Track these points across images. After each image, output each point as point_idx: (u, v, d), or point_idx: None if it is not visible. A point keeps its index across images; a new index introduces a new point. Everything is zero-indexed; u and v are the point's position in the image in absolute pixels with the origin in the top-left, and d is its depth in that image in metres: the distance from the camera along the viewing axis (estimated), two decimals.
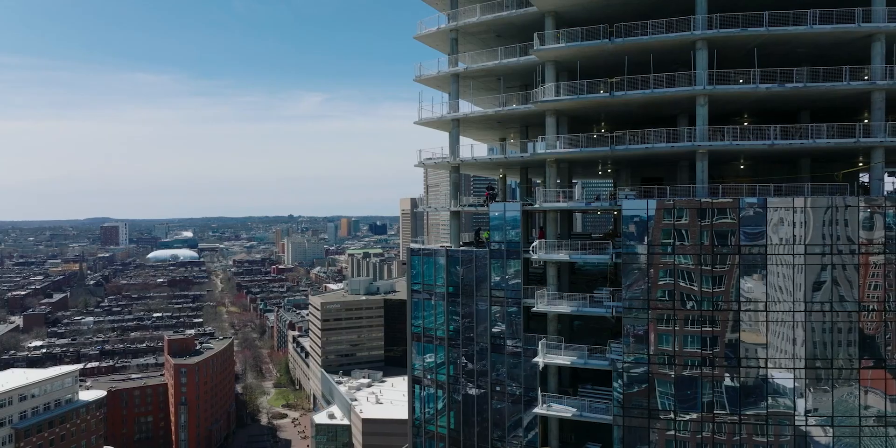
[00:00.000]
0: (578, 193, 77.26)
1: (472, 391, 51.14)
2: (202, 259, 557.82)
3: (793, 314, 40.83)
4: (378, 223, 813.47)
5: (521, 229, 48.84)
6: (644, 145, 44.25)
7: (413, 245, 56.56)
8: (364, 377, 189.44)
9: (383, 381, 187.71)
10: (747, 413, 41.62)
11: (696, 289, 42.19)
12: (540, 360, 45.89)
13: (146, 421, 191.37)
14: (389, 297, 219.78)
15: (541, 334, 48.68)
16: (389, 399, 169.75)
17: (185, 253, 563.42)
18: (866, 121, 50.91)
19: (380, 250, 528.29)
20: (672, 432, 42.66)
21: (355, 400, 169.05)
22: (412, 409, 54.88)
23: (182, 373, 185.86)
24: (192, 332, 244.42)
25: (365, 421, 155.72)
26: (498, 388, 49.67)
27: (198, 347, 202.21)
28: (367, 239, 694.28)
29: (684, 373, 42.46)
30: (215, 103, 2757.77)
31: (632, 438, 43.62)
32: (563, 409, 45.94)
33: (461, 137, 58.34)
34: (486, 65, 51.04)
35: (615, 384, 44.02)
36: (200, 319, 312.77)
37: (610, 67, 47.14)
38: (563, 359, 45.41)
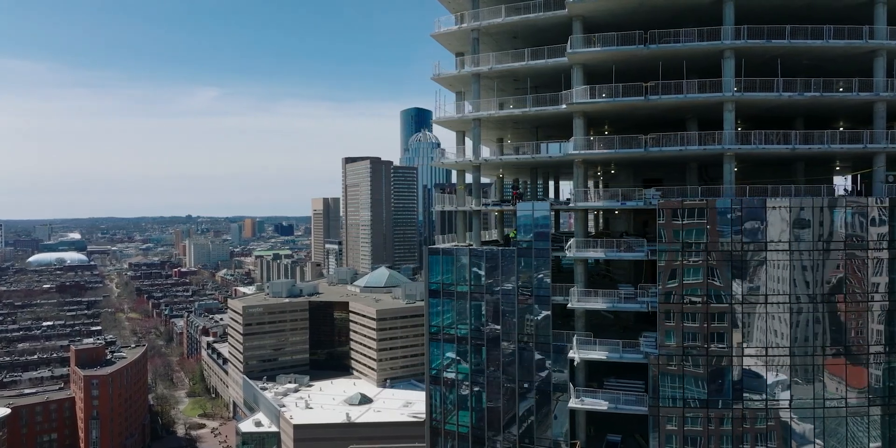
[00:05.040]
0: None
1: (496, 388, 51.48)
2: (93, 262, 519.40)
3: (814, 306, 44.41)
4: (284, 224, 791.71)
5: (551, 228, 49.72)
6: (678, 147, 46.48)
7: (433, 246, 56.08)
8: (290, 382, 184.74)
9: (311, 386, 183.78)
10: (774, 401, 44.75)
11: (726, 284, 44.85)
12: (575, 355, 47.00)
13: (50, 439, 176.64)
14: (314, 298, 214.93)
15: (563, 330, 49.86)
16: (320, 403, 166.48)
17: (72, 256, 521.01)
18: (842, 128, 56.11)
19: (289, 251, 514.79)
20: (704, 421, 45.06)
21: (283, 406, 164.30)
22: (430, 409, 54.42)
23: (93, 385, 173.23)
24: (91, 340, 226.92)
25: (297, 427, 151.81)
26: (526, 385, 50.27)
27: (108, 357, 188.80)
28: (273, 240, 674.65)
29: (715, 364, 44.99)
30: (98, 95, 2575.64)
31: (665, 428, 45.63)
32: (596, 403, 47.31)
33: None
34: (511, 65, 51.53)
35: (650, 376, 45.86)
36: (99, 327, 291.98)
37: (634, 72, 48.99)
38: (599, 353, 46.80)
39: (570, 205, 49.39)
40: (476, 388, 52.43)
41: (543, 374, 49.90)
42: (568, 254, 48.10)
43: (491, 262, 51.11)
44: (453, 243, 57.50)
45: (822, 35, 45.35)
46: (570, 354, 47.46)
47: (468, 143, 59.93)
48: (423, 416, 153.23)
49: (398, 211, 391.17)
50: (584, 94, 47.55)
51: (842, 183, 61.06)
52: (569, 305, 47.99)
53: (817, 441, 44.72)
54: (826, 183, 60.61)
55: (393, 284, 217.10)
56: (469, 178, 58.21)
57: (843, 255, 44.31)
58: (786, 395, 44.80)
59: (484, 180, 69.74)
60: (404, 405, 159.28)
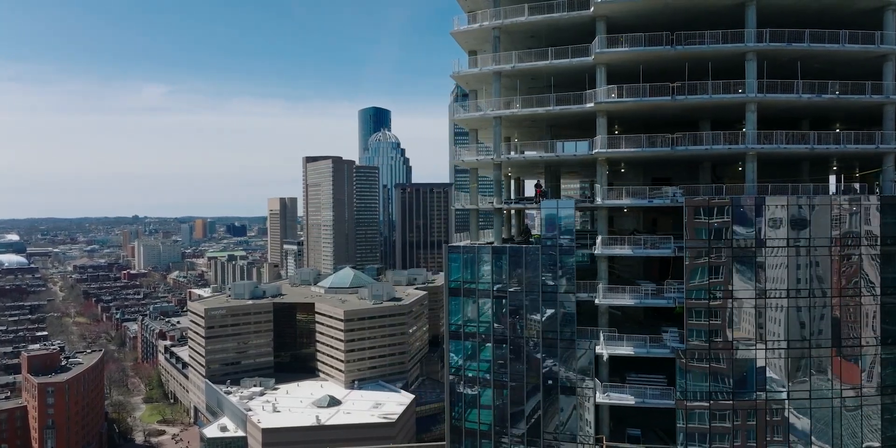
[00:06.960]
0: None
1: (518, 384, 51.58)
2: (34, 265, 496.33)
3: (828, 300, 46.21)
4: (236, 224, 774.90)
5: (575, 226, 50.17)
6: (704, 146, 47.65)
7: (453, 243, 55.76)
8: (255, 385, 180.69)
9: (276, 389, 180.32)
10: (796, 392, 46.33)
11: (750, 280, 46.19)
12: (603, 351, 47.51)
13: None
14: (278, 300, 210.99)
15: (586, 327, 50.41)
16: (287, 406, 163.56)
17: (10, 258, 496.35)
18: (838, 129, 58.51)
19: (243, 252, 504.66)
20: (729, 414, 46.27)
21: (250, 410, 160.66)
22: (450, 408, 54.08)
23: (48, 393, 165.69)
24: (37, 346, 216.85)
25: (265, 431, 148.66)
26: (550, 382, 50.51)
27: (63, 363, 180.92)
28: (225, 241, 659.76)
29: (739, 358, 46.27)
30: (35, 91, 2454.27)
31: (692, 422, 46.65)
32: (622, 398, 47.96)
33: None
34: (536, 64, 51.63)
35: (677, 370, 46.78)
36: (45, 332, 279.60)
37: (654, 72, 49.89)
38: (626, 349, 47.47)
39: (597, 202, 49.98)
40: (497, 385, 52.41)
41: (566, 369, 50.30)
42: (597, 251, 48.70)
43: (514, 259, 51.21)
44: (468, 241, 57.35)
45: (838, 39, 47.23)
46: (598, 350, 48.02)
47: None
48: (394, 416, 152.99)
49: (360, 211, 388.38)
50: (608, 94, 48.20)
51: (835, 183, 63.63)
52: (596, 301, 48.60)
53: (836, 431, 46.55)
54: (826, 182, 63.16)
55: (358, 285, 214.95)
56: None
57: (862, 251, 46.27)
58: (805, 387, 46.45)
59: (485, 179, 69.97)
60: (374, 406, 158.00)
